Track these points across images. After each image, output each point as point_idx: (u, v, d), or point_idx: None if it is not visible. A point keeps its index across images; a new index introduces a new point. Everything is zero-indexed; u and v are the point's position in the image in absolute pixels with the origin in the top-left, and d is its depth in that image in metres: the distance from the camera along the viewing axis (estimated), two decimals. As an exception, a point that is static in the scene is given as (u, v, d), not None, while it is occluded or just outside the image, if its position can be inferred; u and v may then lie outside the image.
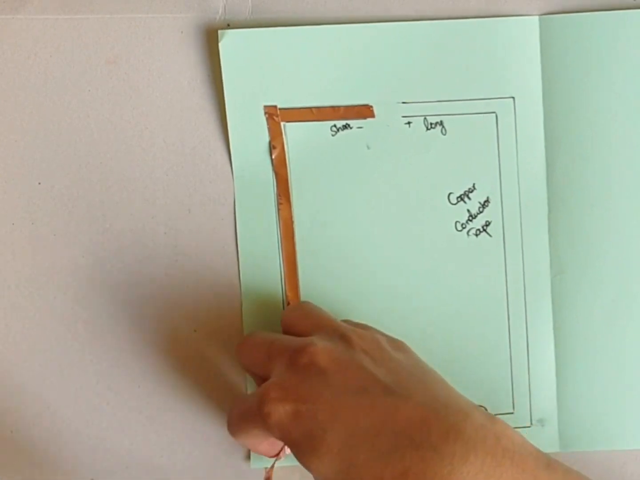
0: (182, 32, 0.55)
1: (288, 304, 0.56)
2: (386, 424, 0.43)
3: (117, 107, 0.56)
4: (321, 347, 0.47)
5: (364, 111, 0.55)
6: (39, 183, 0.56)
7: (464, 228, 0.56)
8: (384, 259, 0.56)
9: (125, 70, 0.55)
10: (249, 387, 0.56)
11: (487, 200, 0.55)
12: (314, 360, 0.46)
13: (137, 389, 0.57)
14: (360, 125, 0.55)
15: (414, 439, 0.42)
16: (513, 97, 0.55)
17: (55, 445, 0.57)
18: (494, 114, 0.55)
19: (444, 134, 0.55)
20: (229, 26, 0.55)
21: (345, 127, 0.55)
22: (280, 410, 0.45)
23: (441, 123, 0.55)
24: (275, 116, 0.55)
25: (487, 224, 0.56)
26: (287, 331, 0.52)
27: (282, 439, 0.45)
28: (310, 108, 0.55)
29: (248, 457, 0.57)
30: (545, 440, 0.56)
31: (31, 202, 0.56)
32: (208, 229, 0.56)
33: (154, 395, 0.56)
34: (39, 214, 0.56)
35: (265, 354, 0.49)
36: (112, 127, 0.56)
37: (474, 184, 0.55)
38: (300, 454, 0.44)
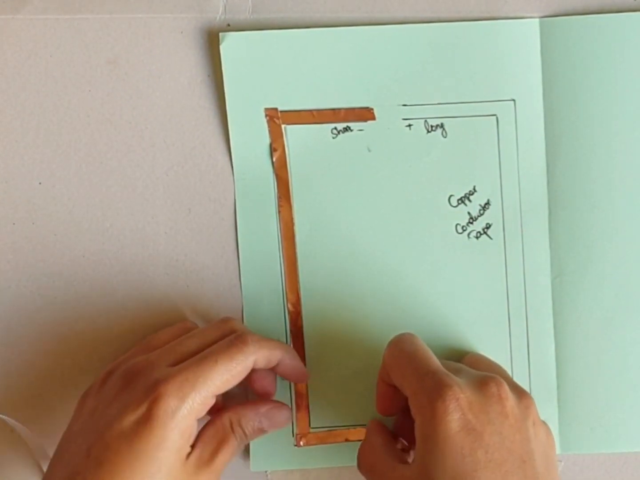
0: (182, 32, 0.55)
1: (289, 304, 0.56)
2: None
3: (117, 107, 0.56)
4: (507, 389, 0.47)
5: (365, 114, 0.55)
6: (39, 183, 0.56)
7: (464, 230, 0.56)
8: (384, 261, 0.56)
9: (125, 70, 0.55)
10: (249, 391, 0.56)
11: (487, 203, 0.55)
12: (502, 395, 0.47)
13: (137, 389, 0.57)
14: (360, 128, 0.55)
15: None
16: (514, 100, 0.55)
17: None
18: (494, 117, 0.55)
19: (445, 137, 0.55)
20: (229, 26, 0.55)
21: (346, 129, 0.55)
22: (457, 412, 0.45)
23: (442, 125, 0.55)
24: (276, 119, 0.55)
25: (488, 226, 0.56)
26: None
27: (427, 429, 0.45)
28: (311, 110, 0.55)
29: (248, 459, 0.57)
30: (545, 442, 0.56)
31: (31, 202, 0.56)
32: (208, 229, 0.56)
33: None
34: (39, 214, 0.56)
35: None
36: (112, 127, 0.56)
37: (474, 187, 0.55)
38: (426, 452, 0.45)
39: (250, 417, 0.52)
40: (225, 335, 0.51)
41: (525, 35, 0.54)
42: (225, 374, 0.48)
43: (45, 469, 0.50)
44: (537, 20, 0.54)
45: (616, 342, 0.56)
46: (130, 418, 0.46)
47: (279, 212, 0.56)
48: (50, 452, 0.51)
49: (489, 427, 0.45)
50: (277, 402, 0.54)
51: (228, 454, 0.50)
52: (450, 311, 0.56)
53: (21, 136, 0.56)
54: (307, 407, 0.56)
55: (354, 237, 0.56)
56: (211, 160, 0.56)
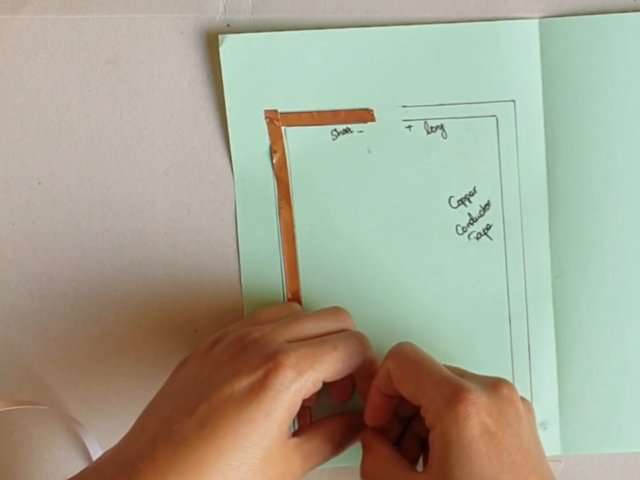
0: (182, 32, 0.55)
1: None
2: None
3: (117, 107, 0.56)
4: (517, 391, 0.48)
5: (365, 115, 0.55)
6: (39, 183, 0.56)
7: (464, 231, 0.56)
8: (384, 263, 0.56)
9: (125, 70, 0.55)
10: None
11: (487, 204, 0.55)
12: (514, 397, 0.47)
13: (137, 389, 0.57)
14: (360, 129, 0.55)
15: None
16: (513, 101, 0.55)
17: (57, 446, 0.57)
18: (494, 118, 0.55)
19: (445, 138, 0.55)
20: (229, 26, 0.55)
21: (346, 131, 0.55)
22: (478, 416, 0.45)
23: (442, 127, 0.55)
24: (275, 120, 0.55)
25: (488, 227, 0.56)
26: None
27: (448, 435, 0.45)
28: (310, 112, 0.55)
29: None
30: (547, 443, 0.56)
31: (31, 202, 0.56)
32: (208, 229, 0.56)
33: (154, 395, 0.57)
34: (39, 214, 0.56)
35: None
36: (112, 127, 0.56)
37: (474, 188, 0.55)
38: (448, 458, 0.45)
39: (356, 431, 0.52)
40: (340, 326, 0.51)
41: (525, 36, 0.54)
42: (340, 362, 0.48)
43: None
44: (536, 20, 0.54)
45: (617, 343, 0.56)
46: (243, 383, 0.46)
47: (279, 213, 0.56)
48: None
49: (509, 430, 0.46)
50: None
51: (323, 458, 0.50)
52: (451, 312, 0.56)
53: (21, 136, 0.56)
54: (308, 407, 0.56)
55: (354, 238, 0.56)
56: (211, 160, 0.56)
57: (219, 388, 0.46)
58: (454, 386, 0.46)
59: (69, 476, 0.46)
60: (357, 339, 0.50)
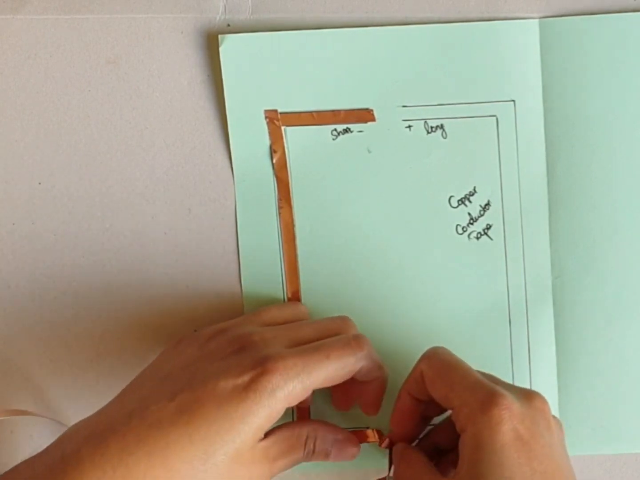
0: (182, 32, 0.55)
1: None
2: None
3: (117, 107, 0.56)
4: (550, 406, 0.48)
5: (365, 115, 0.55)
6: (39, 183, 0.56)
7: (465, 231, 0.56)
8: (385, 262, 0.56)
9: (125, 70, 0.55)
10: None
11: (487, 204, 0.55)
12: (546, 411, 0.48)
13: (137, 389, 0.57)
14: (360, 129, 0.55)
15: None
16: (513, 100, 0.55)
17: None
18: (494, 117, 0.55)
19: (445, 138, 0.55)
20: (229, 26, 0.55)
21: (346, 131, 0.55)
22: (511, 422, 0.45)
23: (442, 127, 0.55)
24: (275, 120, 0.55)
25: (488, 227, 0.56)
26: None
27: (480, 438, 0.45)
28: (310, 112, 0.55)
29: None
30: (546, 443, 0.56)
31: (31, 202, 0.56)
32: (208, 229, 0.56)
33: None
34: (39, 214, 0.56)
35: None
36: (112, 127, 0.56)
37: (474, 187, 0.55)
38: (479, 462, 0.45)
39: (327, 439, 0.52)
40: (342, 333, 0.51)
41: (525, 36, 0.54)
42: (332, 371, 0.48)
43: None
44: (536, 20, 0.54)
45: (617, 343, 0.56)
46: (229, 382, 0.46)
47: (280, 213, 0.56)
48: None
49: (541, 440, 0.46)
50: (352, 435, 0.53)
51: (290, 462, 0.50)
52: (451, 312, 0.56)
53: (21, 136, 0.56)
54: (308, 408, 0.56)
55: (354, 238, 0.56)
56: (211, 160, 0.56)
57: (206, 381, 0.46)
58: (488, 390, 0.46)
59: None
60: (355, 344, 0.50)
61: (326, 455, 0.52)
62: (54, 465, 0.44)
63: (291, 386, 0.46)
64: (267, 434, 0.48)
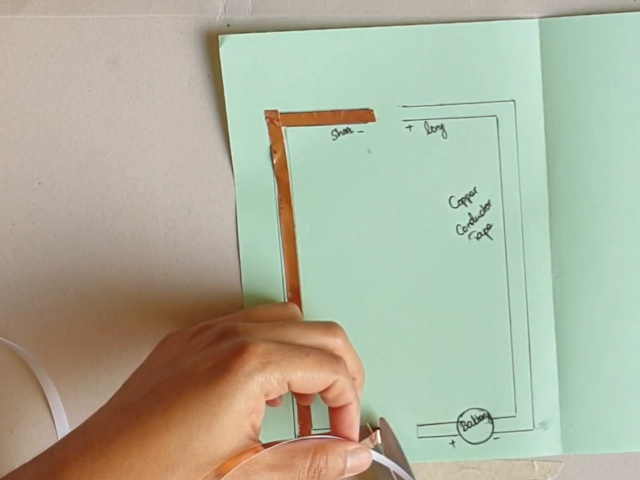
0: (182, 32, 0.55)
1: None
2: None
3: (117, 107, 0.56)
4: None
5: (365, 115, 0.55)
6: (39, 183, 0.56)
7: (465, 231, 0.56)
8: (385, 263, 0.56)
9: (125, 70, 0.55)
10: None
11: (488, 204, 0.55)
12: None
13: (137, 389, 0.57)
14: (361, 130, 0.55)
15: None
16: (514, 100, 0.55)
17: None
18: (494, 117, 0.55)
19: (445, 138, 0.55)
20: (229, 26, 0.55)
21: (346, 131, 0.55)
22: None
23: (442, 127, 0.55)
24: (276, 121, 0.55)
25: (489, 227, 0.56)
26: None
27: None
28: (311, 112, 0.55)
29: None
30: (548, 444, 0.56)
31: (31, 202, 0.56)
32: (208, 229, 0.56)
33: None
34: (39, 214, 0.56)
35: None
36: (112, 127, 0.56)
37: (475, 188, 0.55)
38: None
39: (338, 453, 0.49)
40: (327, 341, 0.50)
41: (524, 36, 0.54)
42: (309, 371, 0.47)
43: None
44: (536, 20, 0.54)
45: (617, 343, 0.56)
46: (207, 365, 0.45)
47: (280, 214, 0.56)
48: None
49: None
50: (359, 443, 0.51)
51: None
52: (451, 312, 0.56)
53: (21, 136, 0.56)
54: (309, 408, 0.56)
55: (354, 238, 0.56)
56: (211, 160, 0.56)
57: (185, 370, 0.46)
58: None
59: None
60: (337, 358, 0.49)
61: (341, 472, 0.49)
62: (43, 462, 0.44)
63: (269, 371, 0.45)
64: (267, 445, 0.46)
